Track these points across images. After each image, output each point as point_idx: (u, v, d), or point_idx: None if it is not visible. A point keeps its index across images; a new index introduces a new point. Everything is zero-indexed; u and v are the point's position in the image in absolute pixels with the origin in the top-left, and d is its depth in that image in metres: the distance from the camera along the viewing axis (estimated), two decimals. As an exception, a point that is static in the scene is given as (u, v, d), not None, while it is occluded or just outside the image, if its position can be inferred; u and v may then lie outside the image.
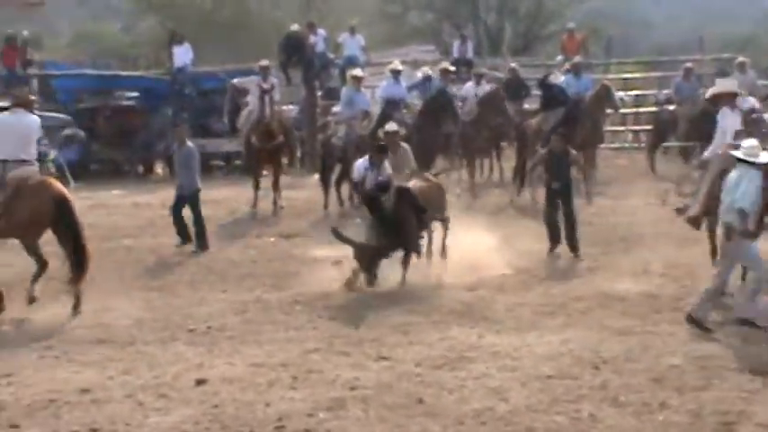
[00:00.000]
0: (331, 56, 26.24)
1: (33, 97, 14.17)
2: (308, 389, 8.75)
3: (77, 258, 11.48)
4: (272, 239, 15.72)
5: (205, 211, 15.31)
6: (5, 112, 11.89)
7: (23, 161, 11.53)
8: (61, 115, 24.46)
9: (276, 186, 18.10)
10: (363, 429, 7.89)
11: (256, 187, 18.05)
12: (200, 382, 8.89)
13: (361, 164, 13.18)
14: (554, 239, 14.10)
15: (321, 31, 26.45)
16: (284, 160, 18.70)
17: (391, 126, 14.60)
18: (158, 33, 36.92)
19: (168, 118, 25.22)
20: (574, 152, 14.69)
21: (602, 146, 21.52)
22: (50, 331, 10.74)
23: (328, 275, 12.77)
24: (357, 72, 20.24)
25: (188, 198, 15.09)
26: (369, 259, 12.26)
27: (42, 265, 11.79)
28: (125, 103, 25.35)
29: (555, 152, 14.29)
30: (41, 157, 21.90)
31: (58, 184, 11.61)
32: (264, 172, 18.44)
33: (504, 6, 41.33)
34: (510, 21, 41.13)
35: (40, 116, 18.19)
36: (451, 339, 10.24)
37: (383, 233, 12.40)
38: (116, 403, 8.45)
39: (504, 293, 12.17)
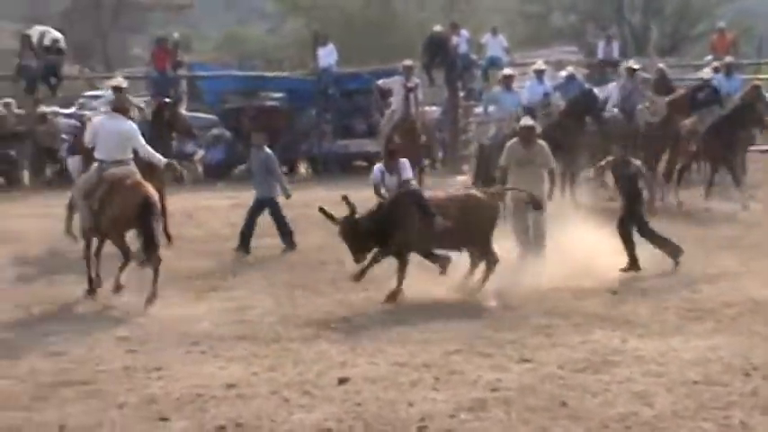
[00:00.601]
0: (474, 57, 26.20)
1: (139, 106, 15.00)
2: (450, 389, 8.75)
3: (148, 255, 12.14)
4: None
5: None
6: (105, 116, 13.13)
7: (119, 161, 12.46)
8: (208, 116, 25.02)
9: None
10: (505, 431, 7.86)
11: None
12: (342, 381, 8.96)
13: (377, 168, 12.85)
14: (629, 257, 13.26)
15: (464, 32, 26.43)
16: (425, 162, 18.69)
17: (527, 121, 14.21)
18: (303, 35, 37.37)
19: (312, 118, 25.55)
20: (637, 163, 13.94)
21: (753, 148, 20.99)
22: (196, 327, 10.98)
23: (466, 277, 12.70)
24: (507, 71, 20.18)
25: (266, 204, 15.20)
26: (352, 238, 11.99)
27: (127, 256, 12.44)
28: (270, 103, 25.71)
29: (617, 163, 13.78)
30: (187, 156, 22.56)
31: (147, 185, 12.37)
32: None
33: (649, 7, 40.73)
34: (655, 21, 40.50)
35: (188, 116, 18.84)
36: (594, 342, 10.11)
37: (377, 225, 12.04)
38: (261, 399, 8.57)
39: (648, 297, 11.98)
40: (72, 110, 26.11)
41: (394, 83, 19.07)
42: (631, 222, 13.35)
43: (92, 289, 12.43)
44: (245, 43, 43.73)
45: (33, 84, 24.10)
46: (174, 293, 12.13)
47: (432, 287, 12.05)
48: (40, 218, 17.44)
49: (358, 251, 11.96)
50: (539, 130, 14.63)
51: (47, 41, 24.08)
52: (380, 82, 20.92)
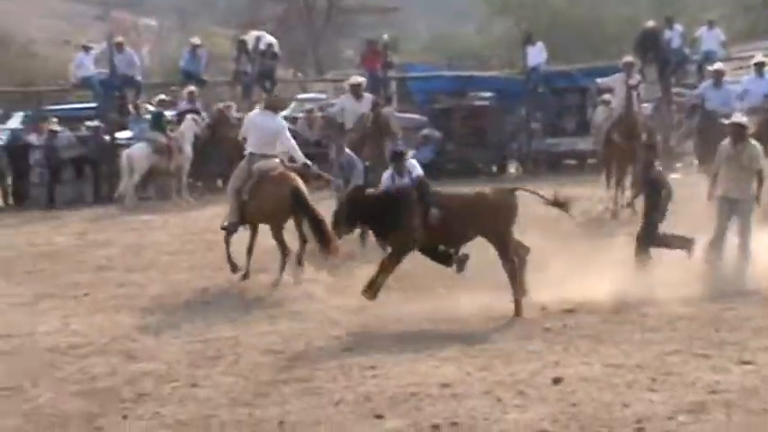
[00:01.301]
0: (687, 51, 25.59)
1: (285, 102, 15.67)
2: (668, 391, 8.60)
3: (320, 237, 12.72)
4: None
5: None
6: (258, 112, 13.94)
7: (266, 155, 13.33)
8: (418, 116, 25.24)
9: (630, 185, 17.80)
10: (726, 435, 7.69)
11: (612, 186, 17.85)
12: (556, 381, 8.93)
13: (387, 175, 12.44)
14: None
15: (677, 27, 25.83)
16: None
17: (738, 117, 13.64)
18: (512, 34, 37.31)
19: (521, 117, 25.46)
20: (658, 168, 13.26)
21: None
22: (410, 327, 11.12)
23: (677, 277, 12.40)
24: (718, 65, 19.73)
25: None
26: (349, 209, 11.85)
27: (285, 253, 13.19)
28: (479, 103, 25.76)
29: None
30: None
31: (295, 177, 13.17)
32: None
33: None
34: None
35: (398, 117, 19.17)
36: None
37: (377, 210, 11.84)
38: (475, 398, 8.62)
39: None
40: (285, 112, 26.82)
41: (614, 81, 18.75)
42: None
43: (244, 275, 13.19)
44: (454, 43, 43.95)
45: (249, 88, 24.82)
46: (385, 294, 12.30)
47: (652, 286, 11.85)
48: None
49: (347, 225, 11.97)
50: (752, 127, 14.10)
51: (262, 46, 24.74)
52: (600, 80, 20.59)
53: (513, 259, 11.67)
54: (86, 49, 24.50)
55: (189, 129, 21.54)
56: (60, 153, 22.63)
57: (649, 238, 12.88)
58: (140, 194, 21.42)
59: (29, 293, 13.35)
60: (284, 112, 25.71)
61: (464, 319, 11.25)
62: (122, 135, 23.46)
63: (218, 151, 21.43)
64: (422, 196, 11.84)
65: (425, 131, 24.48)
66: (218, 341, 10.81)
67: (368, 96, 17.97)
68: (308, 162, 13.85)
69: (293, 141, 13.75)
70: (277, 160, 13.46)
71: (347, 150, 15.57)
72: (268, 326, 11.35)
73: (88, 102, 25.37)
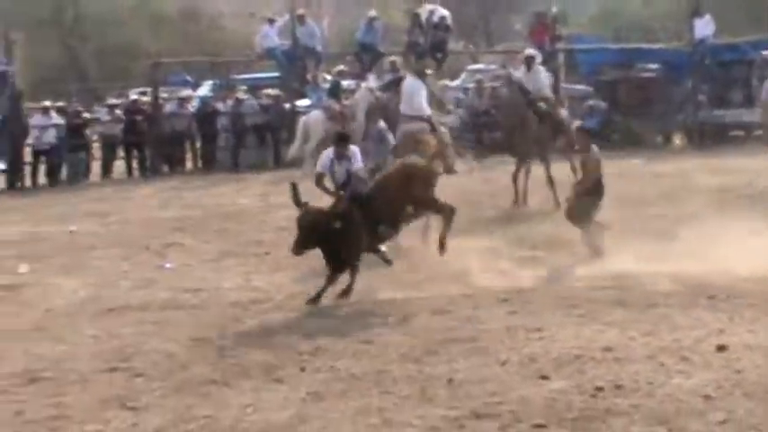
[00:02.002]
0: None
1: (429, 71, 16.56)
2: (833, 361, 8.27)
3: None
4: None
5: (722, 179, 14.88)
6: (410, 77, 15.14)
7: (411, 117, 14.45)
8: (583, 87, 24.86)
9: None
10: None
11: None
12: (720, 348, 8.65)
13: (326, 155, 11.67)
14: None
15: None
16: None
17: None
18: (679, 6, 36.26)
19: (688, 90, 24.81)
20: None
21: None
22: (574, 291, 10.97)
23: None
24: None
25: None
26: (306, 230, 10.94)
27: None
28: (646, 75, 25.20)
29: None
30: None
31: (429, 138, 13.21)
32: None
33: None
34: None
35: (565, 88, 19.01)
36: None
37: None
38: (638, 363, 8.43)
39: None
40: (456, 82, 26.75)
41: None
42: None
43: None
44: (621, 16, 42.99)
45: (422, 59, 24.79)
46: (547, 256, 12.12)
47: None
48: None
49: (303, 246, 11.02)
50: None
51: (435, 19, 24.66)
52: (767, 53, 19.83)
53: (446, 207, 11.62)
54: (271, 21, 24.88)
55: (363, 98, 21.65)
56: (245, 120, 23.09)
57: None
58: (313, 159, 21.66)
59: (215, 251, 13.69)
60: (456, 82, 25.76)
61: (629, 286, 11.04)
62: (302, 103, 23.78)
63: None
64: (359, 203, 11.20)
65: (591, 102, 24.13)
66: (388, 302, 10.86)
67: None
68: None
69: (423, 101, 14.57)
70: (422, 124, 14.23)
71: (381, 124, 15.57)
72: (436, 289, 11.34)
73: (271, 71, 25.79)
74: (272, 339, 9.70)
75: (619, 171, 17.84)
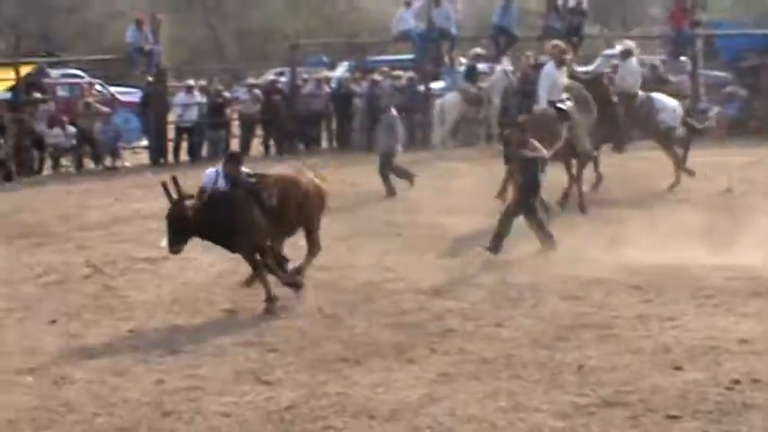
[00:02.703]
0: None
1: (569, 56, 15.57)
2: None
3: None
4: None
5: None
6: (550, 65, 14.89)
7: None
8: (722, 73, 24.19)
9: None
10: None
11: None
12: None
13: (212, 172, 10.62)
14: None
15: None
16: None
17: None
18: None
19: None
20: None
21: None
22: (708, 281, 10.66)
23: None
24: None
25: (381, 156, 16.48)
26: (176, 224, 10.17)
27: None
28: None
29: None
30: (702, 112, 22.05)
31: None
32: None
33: None
34: None
35: (704, 74, 18.55)
36: None
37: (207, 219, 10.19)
38: (775, 355, 8.19)
39: None
40: (591, 67, 26.29)
41: None
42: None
43: None
44: (763, 1, 41.71)
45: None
46: (688, 247, 11.80)
47: None
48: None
49: (177, 241, 10.27)
50: None
51: (571, 3, 24.22)
52: None
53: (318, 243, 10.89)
54: (407, 3, 24.77)
55: (499, 80, 21.51)
56: (380, 101, 23.10)
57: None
58: (452, 141, 21.58)
59: (347, 230, 13.71)
60: (590, 67, 25.30)
61: (762, 277, 10.69)
62: (436, 85, 23.68)
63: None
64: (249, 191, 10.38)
65: (730, 88, 23.45)
66: (519, 286, 10.73)
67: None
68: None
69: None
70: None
71: (392, 112, 15.65)
72: (567, 272, 11.15)
73: (407, 53, 25.74)
74: (402, 320, 9.69)
75: (758, 158, 17.37)
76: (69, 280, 11.57)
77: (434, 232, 13.38)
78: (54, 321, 9.96)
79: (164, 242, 12.53)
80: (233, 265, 11.60)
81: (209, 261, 12.31)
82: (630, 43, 18.41)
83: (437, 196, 15.73)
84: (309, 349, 8.85)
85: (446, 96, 21.62)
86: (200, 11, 37.72)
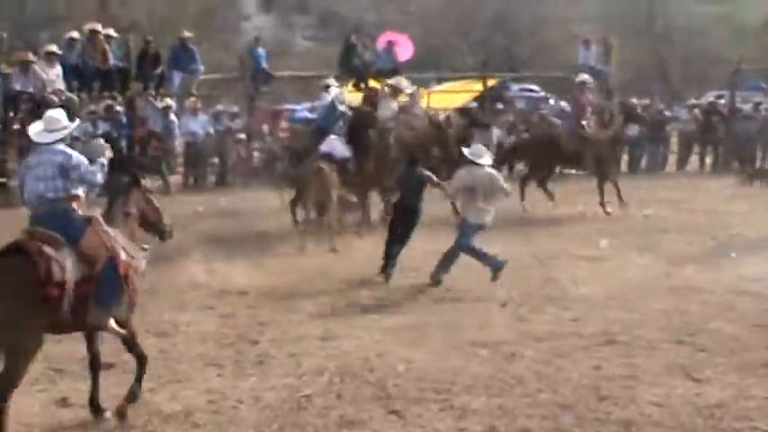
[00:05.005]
0: None
1: None
2: None
3: None
4: None
5: None
6: None
7: None
8: None
9: None
10: None
11: None
12: None
13: None
14: None
15: None
16: None
17: None
18: None
19: None
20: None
21: None
22: None
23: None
24: None
25: None
26: None
27: None
28: None
29: None
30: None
31: None
32: None
33: None
34: None
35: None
36: None
37: None
38: None
39: None
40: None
41: None
42: None
43: None
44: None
45: None
46: None
47: None
48: None
49: None
50: None
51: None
52: None
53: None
54: None
55: None
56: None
57: None
58: None
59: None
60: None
61: None
62: None
63: None
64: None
65: None
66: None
67: None
68: None
69: None
70: None
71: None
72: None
73: None
74: None
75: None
76: (520, 268, 11.76)
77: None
78: (504, 305, 10.24)
79: (603, 243, 12.58)
80: (665, 269, 11.42)
81: (644, 263, 12.19)
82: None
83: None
84: (739, 353, 8.47)
85: None
86: (648, 38, 37.32)
